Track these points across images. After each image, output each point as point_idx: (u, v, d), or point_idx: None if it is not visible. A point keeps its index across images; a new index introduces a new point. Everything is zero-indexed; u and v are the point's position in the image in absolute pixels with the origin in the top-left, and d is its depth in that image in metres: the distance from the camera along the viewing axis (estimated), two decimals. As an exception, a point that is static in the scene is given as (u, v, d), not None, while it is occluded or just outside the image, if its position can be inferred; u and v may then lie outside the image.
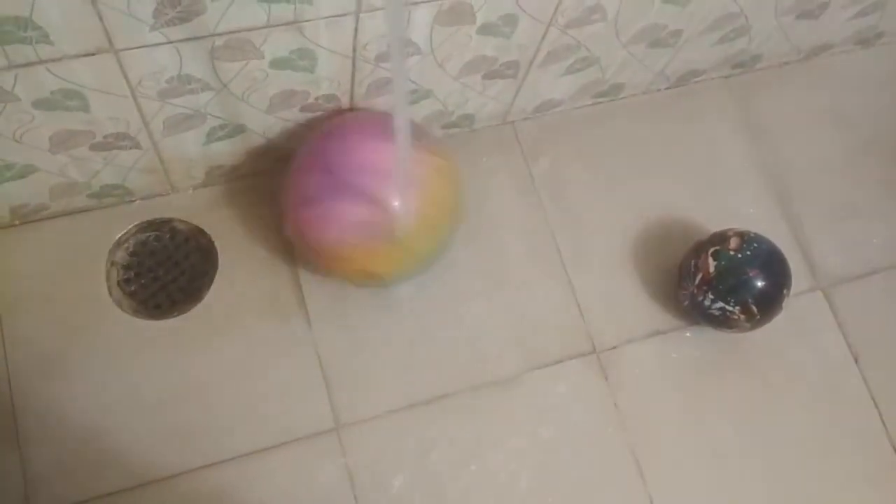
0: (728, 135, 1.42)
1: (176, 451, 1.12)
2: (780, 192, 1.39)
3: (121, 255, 1.20)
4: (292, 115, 1.12)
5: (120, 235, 1.21)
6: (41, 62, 0.86)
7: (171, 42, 0.89)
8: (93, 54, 0.87)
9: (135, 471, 1.10)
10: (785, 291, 1.18)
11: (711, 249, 1.19)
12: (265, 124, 1.12)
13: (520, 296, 1.27)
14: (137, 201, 1.22)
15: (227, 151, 1.16)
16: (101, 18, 0.82)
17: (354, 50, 1.01)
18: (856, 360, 1.30)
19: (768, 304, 1.18)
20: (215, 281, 1.21)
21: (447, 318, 1.23)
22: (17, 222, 1.17)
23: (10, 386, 1.11)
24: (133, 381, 1.14)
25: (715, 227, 1.24)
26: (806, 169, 1.41)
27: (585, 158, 1.36)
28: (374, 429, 1.16)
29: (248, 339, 1.18)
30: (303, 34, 0.95)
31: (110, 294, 1.18)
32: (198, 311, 1.19)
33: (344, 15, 0.94)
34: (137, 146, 1.07)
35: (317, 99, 1.10)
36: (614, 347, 1.26)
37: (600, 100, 1.38)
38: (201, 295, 1.20)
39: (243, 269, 1.22)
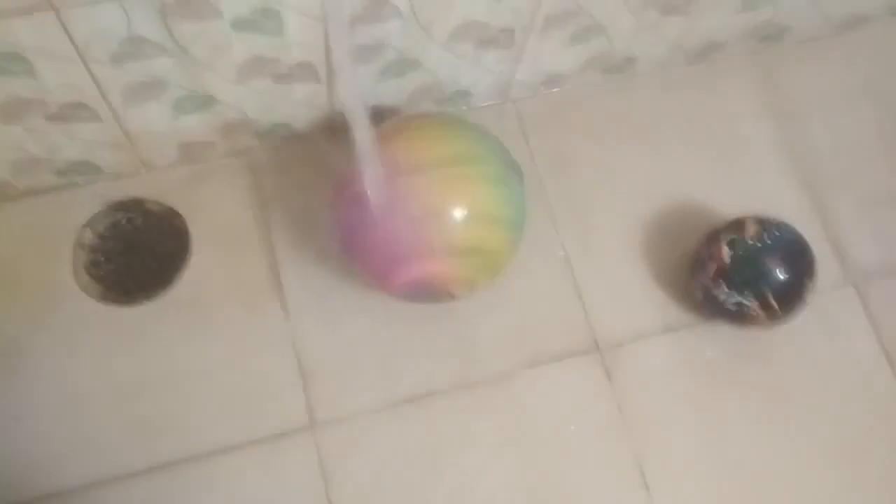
0: (753, 115, 1.30)
1: (140, 447, 1.04)
2: (808, 177, 1.27)
3: (89, 238, 1.13)
4: (266, 87, 1.04)
5: (89, 217, 1.13)
6: (-27, 19, 0.79)
7: (114, -2, 0.81)
8: (30, 11, 0.80)
9: (96, 466, 1.03)
10: (808, 284, 1.06)
11: (727, 237, 1.07)
12: (237, 96, 1.04)
13: (515, 286, 1.16)
14: (108, 181, 1.14)
15: (200, 126, 1.08)
16: (29, -33, 0.75)
17: (324, 9, 0.92)
18: (889, 362, 1.17)
19: (790, 298, 1.06)
20: (188, 266, 1.13)
21: (436, 310, 1.14)
22: (-21, 201, 1.11)
23: (-34, 373, 1.05)
24: (97, 370, 1.07)
25: (735, 214, 1.13)
26: (837, 153, 1.29)
27: (594, 139, 1.25)
28: (352, 427, 1.07)
29: (220, 329, 1.10)
30: (264, -10, 0.86)
31: (76, 278, 1.11)
32: (168, 297, 1.11)
33: (307, -32, 0.85)
34: (97, 118, 1.00)
35: (290, 68, 1.01)
36: (620, 345, 1.15)
37: (612, 75, 1.27)
38: (172, 280, 1.12)
39: (218, 255, 1.13)
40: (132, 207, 1.15)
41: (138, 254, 1.13)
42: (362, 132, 0.84)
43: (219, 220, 1.15)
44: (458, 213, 0.95)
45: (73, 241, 1.12)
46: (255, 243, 1.14)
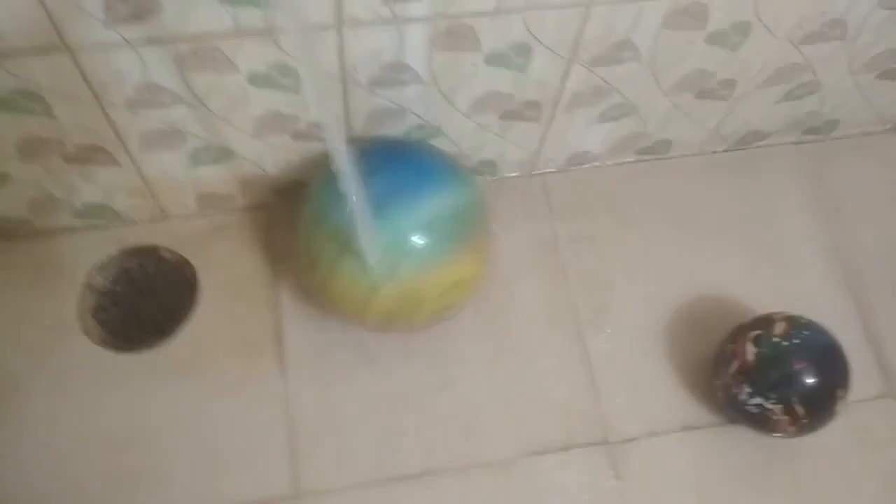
0: (794, 209, 1.24)
1: (114, 499, 1.01)
2: (850, 279, 1.19)
3: (100, 281, 1.12)
4: (284, 143, 1.03)
5: (102, 260, 1.13)
6: (-9, 56, 0.80)
7: (129, 44, 0.81)
8: (46, 51, 0.81)
9: (70, 517, 1.00)
10: (840, 395, 0.98)
11: (752, 334, 1.01)
12: (255, 150, 1.03)
13: (526, 368, 1.11)
14: (125, 226, 1.14)
15: (218, 178, 1.08)
16: (44, 7, 0.75)
17: (343, 70, 0.91)
18: (932, 488, 1.06)
19: (818, 406, 0.98)
20: (192, 317, 1.11)
21: (439, 385, 1.09)
22: (-1, 236, 1.12)
23: (-41, 407, 1.04)
24: (88, 416, 1.04)
25: (766, 311, 1.06)
26: (884, 256, 1.21)
27: (622, 221, 1.21)
28: (337, 501, 1.02)
29: (215, 385, 1.07)
30: (279, 47, 0.86)
31: (80, 321, 1.10)
32: (168, 347, 1.09)
33: (323, 28, 0.84)
34: (115, 162, 1.00)
35: (309, 126, 1.00)
36: (631, 440, 1.07)
37: (645, 157, 1.23)
38: (175, 331, 1.10)
39: (224, 309, 1.11)
40: (146, 254, 1.14)
41: (146, 301, 1.12)
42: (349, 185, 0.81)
43: (229, 274, 1.13)
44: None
45: (84, 283, 1.11)
46: (261, 300, 1.12)
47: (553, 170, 1.22)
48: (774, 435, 1.02)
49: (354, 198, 0.83)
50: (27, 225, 1.11)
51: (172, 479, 1.02)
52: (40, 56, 0.81)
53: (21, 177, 1.00)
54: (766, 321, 1.02)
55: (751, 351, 0.99)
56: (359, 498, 1.02)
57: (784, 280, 1.18)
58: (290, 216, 1.17)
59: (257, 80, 0.90)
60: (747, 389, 0.99)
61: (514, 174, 1.21)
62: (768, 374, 0.98)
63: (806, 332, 0.99)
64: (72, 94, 0.87)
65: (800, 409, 0.97)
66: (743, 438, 1.07)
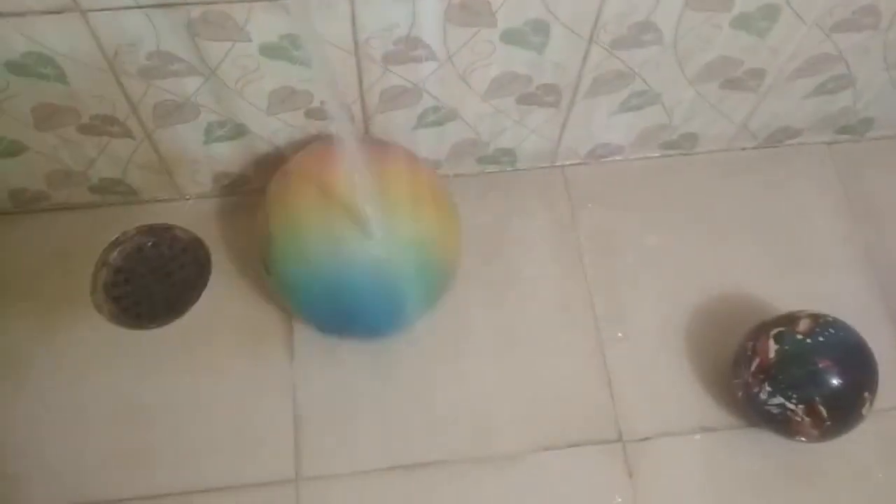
0: (824, 210, 1.19)
1: (116, 476, 0.99)
2: (882, 284, 1.14)
3: (114, 257, 1.12)
4: (298, 122, 1.02)
5: (118, 236, 1.13)
6: (3, 15, 0.80)
7: (140, 6, 0.81)
8: (58, 12, 0.81)
9: (78, 489, 0.98)
10: (867, 397, 0.93)
11: (774, 331, 0.96)
12: (269, 128, 1.03)
13: (540, 362, 1.08)
14: (141, 204, 1.14)
15: (232, 157, 1.07)
16: (55, -35, 0.76)
17: (356, 44, 0.90)
18: (965, 503, 1.00)
19: (842, 407, 0.93)
20: (202, 297, 1.10)
21: (448, 376, 1.06)
22: (16, 210, 1.13)
23: (-33, 376, 1.04)
24: (91, 391, 1.04)
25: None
26: (921, 260, 1.16)
27: (644, 216, 1.17)
28: (339, 487, 0.99)
29: (221, 365, 1.06)
30: (290, 15, 0.85)
31: (93, 296, 1.09)
32: (178, 325, 1.08)
33: (335, -4, 0.83)
34: (129, 135, 1.00)
35: (322, 104, 0.99)
36: (646, 439, 1.03)
37: (669, 152, 1.20)
38: (185, 309, 1.09)
39: (235, 290, 1.10)
40: (161, 233, 1.14)
41: (158, 279, 1.12)
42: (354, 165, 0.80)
43: (241, 255, 1.13)
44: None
45: (98, 258, 1.11)
46: (273, 283, 1.11)
47: (575, 162, 1.19)
48: (796, 438, 0.97)
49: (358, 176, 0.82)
50: (44, 198, 1.11)
51: (177, 457, 1.00)
52: (53, 16, 0.81)
53: (37, 146, 1.00)
54: (789, 318, 0.97)
55: (772, 348, 0.95)
56: (361, 485, 1.00)
57: (811, 282, 1.13)
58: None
59: (269, 50, 0.89)
60: (768, 388, 0.94)
61: (533, 165, 1.18)
62: (790, 373, 0.93)
63: (831, 330, 0.94)
64: (85, 60, 0.87)
65: (823, 411, 0.92)
66: (763, 442, 1.02)
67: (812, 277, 1.14)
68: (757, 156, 1.22)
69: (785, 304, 1.07)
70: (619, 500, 0.99)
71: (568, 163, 1.19)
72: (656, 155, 1.20)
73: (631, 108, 1.08)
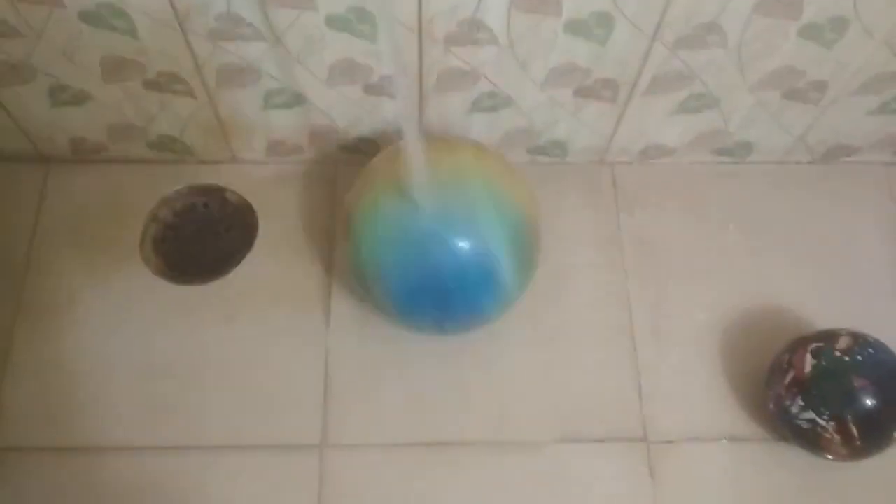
0: (876, 232, 1.17)
1: (149, 425, 1.02)
2: (931, 311, 1.12)
3: (165, 213, 1.15)
4: (357, 95, 1.03)
5: (170, 193, 1.16)
6: (82, -35, 0.83)
7: (216, -33, 0.83)
8: (136, -34, 0.83)
9: (104, 433, 1.01)
10: (901, 420, 0.92)
11: (813, 346, 0.95)
12: (327, 99, 1.04)
13: (572, 356, 1.08)
14: (196, 163, 1.17)
15: (288, 124, 1.09)
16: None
17: (420, 23, 0.91)
18: None
19: (874, 428, 0.92)
20: (246, 260, 1.12)
21: (479, 362, 1.07)
22: (75, 158, 1.16)
23: (18, 311, 1.07)
24: (133, 340, 1.07)
25: (832, 328, 1.00)
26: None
27: (691, 221, 1.17)
28: (361, 458, 1.01)
29: (259, 327, 1.08)
30: (363, -10, 0.86)
31: (141, 248, 1.12)
32: (219, 285, 1.11)
33: (405, -27, 0.84)
34: (192, 94, 1.02)
35: (381, 79, 1.00)
36: (671, 441, 1.03)
37: (723, 159, 1.19)
38: (228, 270, 1.12)
39: (278, 256, 1.12)
40: (212, 193, 1.17)
41: (205, 239, 1.14)
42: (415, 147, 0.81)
43: (288, 223, 1.14)
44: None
45: (149, 213, 1.14)
46: (316, 254, 1.13)
47: (625, 160, 1.19)
48: (824, 456, 0.96)
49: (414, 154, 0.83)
50: (103, 149, 1.14)
51: (207, 411, 1.03)
52: (130, -31, 0.83)
53: (102, 98, 1.03)
54: (829, 335, 0.96)
55: (809, 362, 0.94)
56: (384, 458, 1.01)
57: (855, 302, 1.12)
58: (355, 174, 1.18)
59: (335, 22, 0.91)
60: (800, 402, 0.93)
61: (583, 160, 1.18)
62: (824, 389, 0.92)
63: (871, 351, 0.93)
64: (157, 16, 0.89)
65: (854, 430, 0.91)
66: (791, 457, 1.01)
67: (856, 298, 1.12)
68: (812, 171, 1.21)
69: (826, 321, 1.06)
70: (641, 501, 0.99)
71: (618, 160, 1.19)
72: (709, 160, 1.19)
73: (688, 111, 1.07)
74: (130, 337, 1.07)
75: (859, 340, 0.94)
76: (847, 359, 0.92)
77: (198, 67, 0.98)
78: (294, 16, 0.90)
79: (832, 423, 0.91)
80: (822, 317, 1.08)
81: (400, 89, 0.75)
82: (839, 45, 0.95)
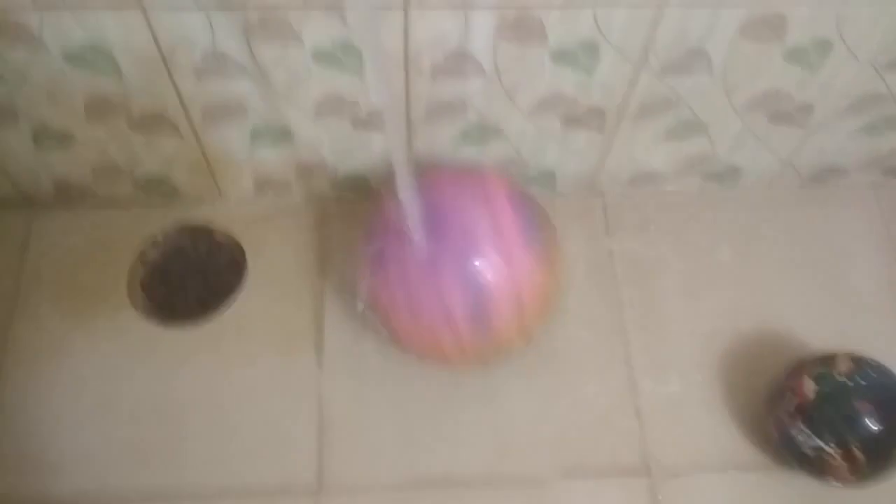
0: (868, 252, 1.17)
1: (139, 472, 0.99)
2: (928, 330, 1.11)
3: (152, 255, 1.13)
4: (344, 131, 1.03)
5: (157, 235, 1.14)
6: (67, 7, 0.82)
7: (201, 8, 0.83)
8: (119, 7, 0.83)
9: (91, 482, 0.99)
10: (907, 442, 0.90)
11: (814, 371, 0.94)
12: (314, 135, 1.03)
13: (570, 388, 1.06)
14: (183, 204, 1.15)
15: (276, 161, 1.08)
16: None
17: (406, 56, 0.91)
18: None
19: (880, 452, 0.90)
20: (236, 300, 1.10)
21: (477, 394, 1.05)
22: (59, 202, 1.14)
23: (4, 358, 1.05)
24: (120, 383, 1.04)
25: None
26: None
27: (683, 249, 1.16)
28: (360, 501, 0.98)
29: (250, 369, 1.06)
30: (345, 24, 0.86)
31: (129, 291, 1.10)
32: (210, 325, 1.09)
33: (390, 8, 0.84)
34: (178, 133, 1.01)
35: (369, 115, 1.00)
36: (675, 475, 1.01)
37: (712, 183, 1.19)
38: (218, 311, 1.10)
39: (268, 296, 1.11)
40: (200, 234, 1.15)
41: (194, 279, 1.12)
42: (405, 183, 0.80)
43: (278, 262, 1.13)
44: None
45: (137, 255, 1.13)
46: (306, 292, 1.11)
47: (614, 187, 1.18)
48: (830, 482, 0.94)
49: (407, 190, 0.82)
50: (88, 193, 1.13)
51: (198, 456, 1.00)
52: (113, 11, 0.83)
53: (86, 139, 1.02)
54: (829, 358, 0.95)
55: (810, 388, 0.93)
56: (384, 498, 0.98)
57: (850, 323, 1.11)
58: (344, 212, 1.17)
59: (321, 56, 0.90)
60: (805, 429, 0.92)
61: (573, 189, 1.18)
62: (827, 414, 0.91)
63: (872, 374, 0.92)
64: (141, 56, 0.89)
65: (860, 455, 0.89)
66: (795, 485, 1.00)
67: (852, 319, 1.12)
68: (801, 193, 1.21)
69: (822, 343, 1.05)
70: (644, 533, 0.97)
71: (608, 188, 1.18)
72: (698, 186, 1.19)
73: (675, 138, 1.07)
74: (120, 382, 1.04)
75: (860, 363, 0.93)
76: (850, 383, 0.91)
77: (184, 107, 0.97)
78: (280, 52, 0.89)
79: (838, 450, 0.90)
80: (818, 338, 1.08)
81: (388, 121, 0.74)
82: (824, 66, 0.95)
